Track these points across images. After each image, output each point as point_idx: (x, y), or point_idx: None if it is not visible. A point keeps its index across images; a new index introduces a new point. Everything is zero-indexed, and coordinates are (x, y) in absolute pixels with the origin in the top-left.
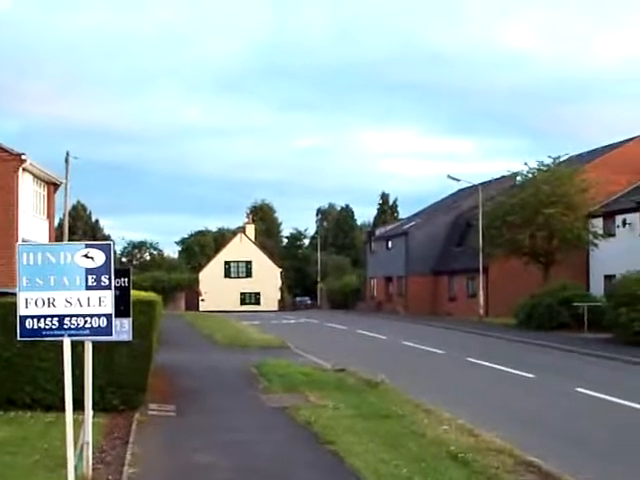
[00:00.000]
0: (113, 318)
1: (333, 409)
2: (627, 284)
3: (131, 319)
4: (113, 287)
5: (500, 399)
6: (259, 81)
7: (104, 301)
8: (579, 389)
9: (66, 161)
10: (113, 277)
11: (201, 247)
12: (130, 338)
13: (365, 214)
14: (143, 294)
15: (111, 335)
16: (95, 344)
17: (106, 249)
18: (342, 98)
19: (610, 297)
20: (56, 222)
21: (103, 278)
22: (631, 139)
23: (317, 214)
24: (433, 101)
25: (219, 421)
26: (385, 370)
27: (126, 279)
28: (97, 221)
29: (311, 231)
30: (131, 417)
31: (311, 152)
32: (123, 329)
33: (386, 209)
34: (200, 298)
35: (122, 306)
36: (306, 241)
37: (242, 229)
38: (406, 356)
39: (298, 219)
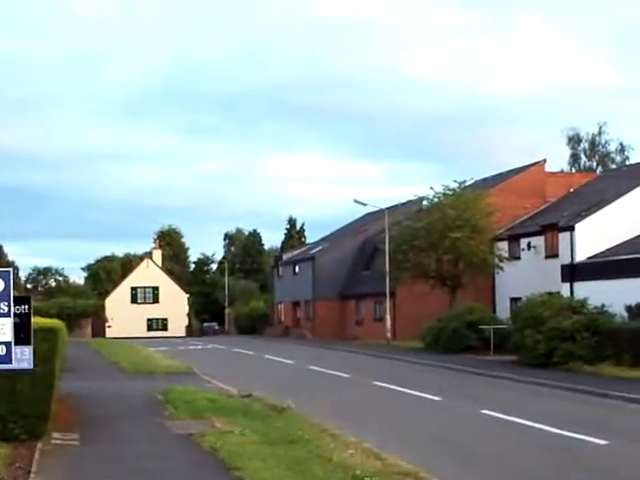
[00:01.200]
0: (13, 346)
1: (239, 435)
2: (532, 306)
3: (32, 347)
4: (12, 314)
5: (407, 422)
6: (164, 106)
7: (3, 329)
8: (484, 411)
9: None
10: (12, 304)
11: (107, 273)
12: (31, 366)
13: (273, 239)
14: (45, 321)
15: (11, 363)
16: None
17: (5, 276)
18: (249, 122)
19: (515, 319)
20: None
21: (2, 305)
22: (535, 163)
23: (225, 239)
24: (342, 126)
25: (124, 449)
26: (292, 395)
27: (27, 306)
28: (0, 247)
29: (219, 256)
30: (34, 447)
31: (218, 177)
32: (24, 357)
33: (293, 233)
34: (107, 324)
35: (23, 333)
36: (214, 266)
37: (149, 254)
38: (313, 381)
39: (206, 244)
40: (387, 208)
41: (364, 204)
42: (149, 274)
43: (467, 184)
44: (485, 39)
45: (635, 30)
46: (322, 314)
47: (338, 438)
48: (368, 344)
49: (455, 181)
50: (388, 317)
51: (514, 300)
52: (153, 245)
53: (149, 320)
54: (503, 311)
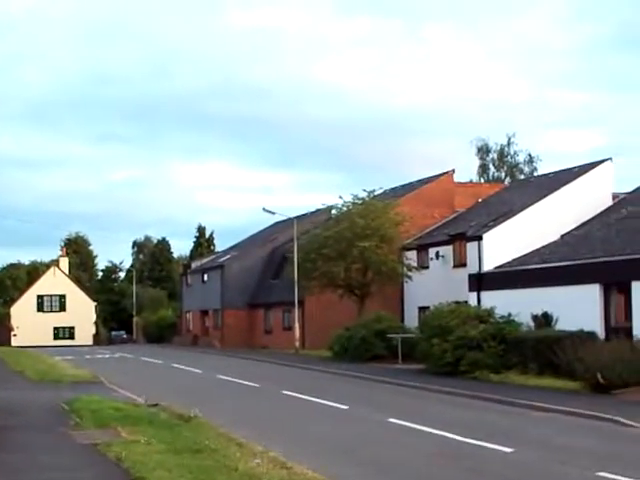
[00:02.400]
0: None
1: (145, 444)
2: (439, 315)
3: None
4: None
5: (314, 431)
6: (75, 112)
7: None
8: (392, 419)
9: None
10: None
11: (13, 280)
12: None
13: (182, 247)
14: None
15: None
16: None
17: None
18: (160, 130)
19: (423, 328)
20: None
21: None
22: (444, 173)
23: (133, 247)
24: (252, 135)
25: (26, 460)
26: (199, 404)
27: None
28: None
29: (127, 264)
30: None
31: (128, 184)
32: None
33: (203, 242)
34: (12, 333)
35: None
36: (122, 274)
37: (56, 262)
38: (221, 390)
39: (114, 252)
40: (296, 217)
41: (273, 213)
42: (56, 282)
43: (376, 193)
44: (396, 49)
45: (542, 43)
46: (231, 323)
47: (245, 447)
48: (277, 353)
49: (364, 190)
50: (297, 326)
51: (422, 309)
52: (60, 253)
53: (56, 329)
54: (411, 320)
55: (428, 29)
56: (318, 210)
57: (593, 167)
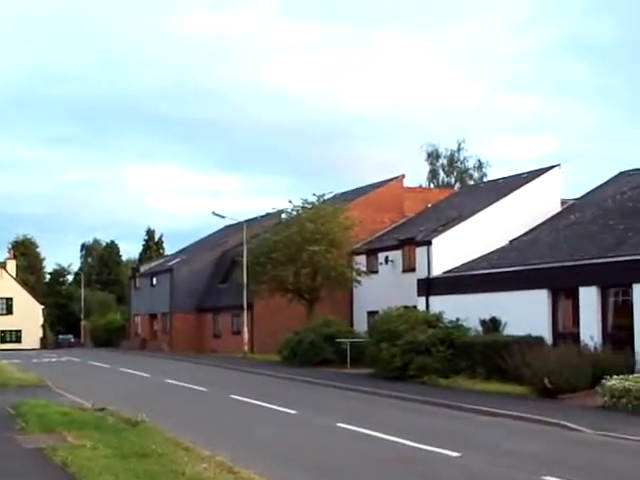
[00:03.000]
0: None
1: (91, 449)
2: (388, 320)
3: None
4: None
5: (262, 436)
6: (22, 113)
7: None
8: (340, 424)
9: None
10: None
11: None
12: None
13: (131, 250)
14: None
15: None
16: None
17: None
18: (110, 132)
19: (372, 333)
20: None
21: None
22: (394, 178)
23: (82, 250)
24: (203, 138)
25: None
26: (146, 408)
27: None
28: None
29: (75, 267)
30: None
31: (77, 187)
32: None
33: (152, 245)
34: None
35: None
36: (70, 277)
37: (2, 265)
38: (168, 394)
39: (62, 255)
40: (246, 221)
41: (222, 217)
42: (2, 285)
43: (326, 198)
44: (347, 54)
45: (493, 49)
46: (179, 327)
47: (192, 452)
48: (226, 357)
49: (314, 195)
50: (245, 330)
51: (371, 314)
52: (7, 255)
53: (2, 332)
54: (361, 324)
55: (379, 34)
56: (268, 214)
57: (542, 173)
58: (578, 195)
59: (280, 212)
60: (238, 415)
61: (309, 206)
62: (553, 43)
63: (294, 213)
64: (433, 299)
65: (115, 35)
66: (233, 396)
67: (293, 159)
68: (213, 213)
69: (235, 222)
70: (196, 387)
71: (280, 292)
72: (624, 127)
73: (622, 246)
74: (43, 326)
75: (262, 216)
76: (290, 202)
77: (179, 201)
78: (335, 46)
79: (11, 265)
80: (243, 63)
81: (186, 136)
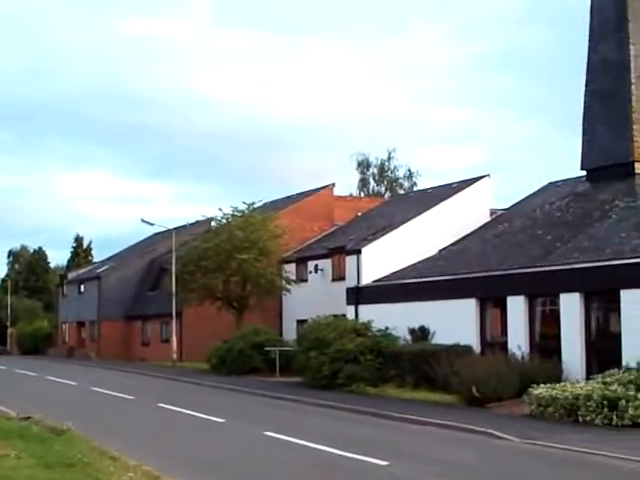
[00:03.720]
0: None
1: (15, 458)
2: (317, 328)
3: None
4: None
5: (189, 444)
6: None
7: None
8: (268, 433)
9: None
10: None
11: None
12: None
13: (59, 257)
14: None
15: None
16: None
17: None
18: (39, 137)
19: (301, 341)
20: None
21: None
22: (324, 187)
23: (9, 256)
24: (131, 144)
25: None
26: (72, 417)
27: None
28: None
29: (2, 274)
30: None
31: (4, 192)
32: None
33: (80, 252)
34: None
35: None
36: None
37: None
38: (95, 402)
39: None
40: (175, 228)
41: (151, 224)
42: None
43: (256, 206)
44: (279, 62)
45: (423, 60)
46: (107, 335)
47: (118, 461)
48: (154, 365)
49: (244, 203)
50: (174, 338)
51: (301, 322)
52: None
53: None
54: (290, 333)
55: (311, 42)
56: (197, 222)
57: (471, 183)
58: (507, 205)
59: (210, 220)
60: (165, 424)
61: (239, 214)
62: (483, 55)
63: (224, 221)
64: (362, 308)
65: (46, 35)
66: (161, 404)
67: (224, 167)
68: (142, 220)
69: (164, 229)
70: (123, 395)
71: (209, 300)
72: (553, 138)
73: (549, 256)
74: None
75: (192, 224)
76: (220, 210)
77: (109, 208)
78: (267, 54)
79: None
80: (175, 69)
81: (116, 142)
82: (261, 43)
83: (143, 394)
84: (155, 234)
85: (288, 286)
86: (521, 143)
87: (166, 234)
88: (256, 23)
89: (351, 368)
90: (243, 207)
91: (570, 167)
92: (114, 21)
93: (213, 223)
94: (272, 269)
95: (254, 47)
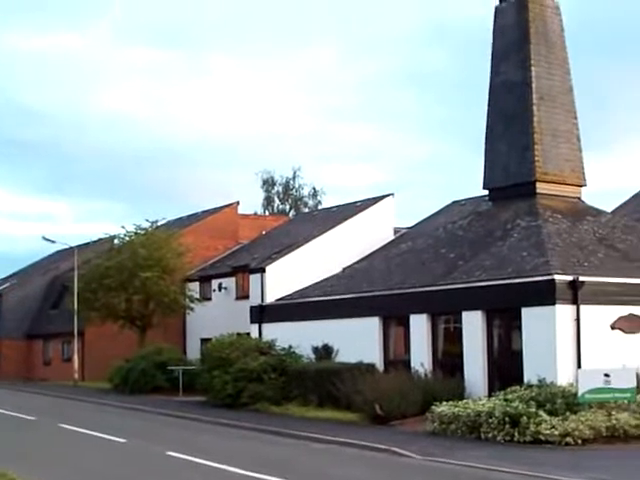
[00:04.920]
0: None
1: None
2: (220, 347)
3: None
4: None
5: (90, 465)
6: None
7: None
8: (170, 453)
9: None
10: None
11: None
12: None
13: None
14: None
15: None
16: None
17: None
18: None
19: (204, 360)
20: None
21: None
22: (229, 205)
23: None
24: (33, 160)
25: None
26: None
27: None
28: None
29: None
30: None
31: None
32: None
33: None
34: None
35: None
36: None
37: None
38: None
39: None
40: (77, 246)
41: (53, 241)
42: None
43: (160, 224)
44: (184, 80)
45: (327, 77)
46: (7, 354)
47: None
48: (56, 385)
49: (147, 220)
50: (76, 357)
51: (205, 341)
52: None
53: None
54: (194, 352)
55: (214, 60)
56: (100, 239)
57: (376, 202)
58: (411, 224)
59: (113, 238)
60: (67, 444)
61: (142, 232)
62: (387, 73)
63: (127, 239)
64: (266, 326)
65: None
66: (62, 425)
67: (129, 185)
68: (43, 238)
69: (67, 247)
70: (23, 416)
71: (111, 319)
72: (458, 157)
73: (452, 274)
74: None
75: (95, 241)
76: (123, 227)
77: (7, 225)
78: (172, 71)
79: None
80: (77, 86)
81: (16, 159)
82: (165, 60)
83: (44, 414)
84: (58, 251)
85: (192, 304)
86: (426, 162)
87: (69, 251)
88: (160, 40)
89: (255, 387)
90: (146, 225)
91: (475, 186)
92: (8, 37)
93: (116, 241)
94: (175, 287)
95: (158, 64)
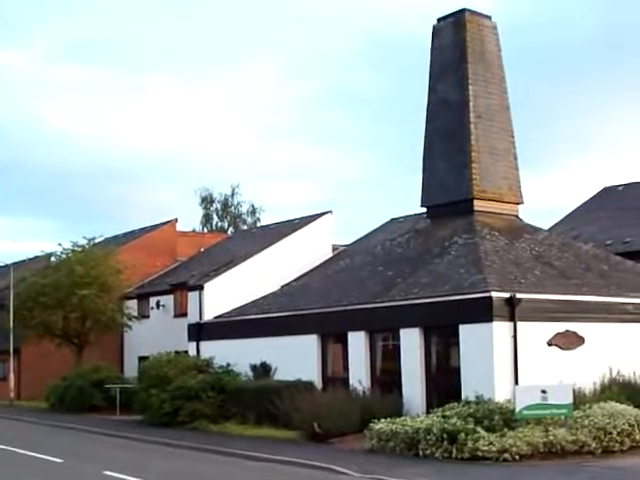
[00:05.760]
0: None
1: None
2: (157, 365)
3: None
4: None
5: None
6: None
7: None
8: (107, 472)
9: None
10: None
11: None
12: None
13: None
14: None
15: None
16: None
17: None
18: None
19: (142, 379)
20: None
21: None
22: (167, 222)
23: None
24: None
25: None
26: None
27: None
28: None
29: None
30: None
31: None
32: None
33: None
34: None
35: None
36: None
37: None
38: None
39: None
40: (13, 264)
41: None
42: None
43: (98, 241)
44: (119, 97)
45: (264, 98)
46: None
47: None
48: None
49: (85, 238)
50: (12, 376)
51: (142, 359)
52: None
53: None
54: (132, 370)
55: (150, 78)
56: (37, 257)
57: (314, 219)
58: (349, 241)
59: (49, 255)
60: (1, 465)
61: (79, 249)
62: (318, 92)
63: (64, 256)
64: (204, 344)
65: None
66: None
67: (66, 202)
68: None
69: (2, 265)
70: None
71: (48, 337)
72: (397, 175)
73: (390, 291)
74: None
75: (31, 259)
76: (60, 245)
77: None
78: (107, 89)
79: None
80: (8, 103)
81: None
82: (100, 78)
83: None
84: None
85: (129, 322)
86: (363, 180)
87: (4, 269)
88: (94, 58)
89: (192, 405)
90: (84, 242)
91: (413, 204)
92: None
93: (53, 258)
94: (113, 305)
95: (94, 82)
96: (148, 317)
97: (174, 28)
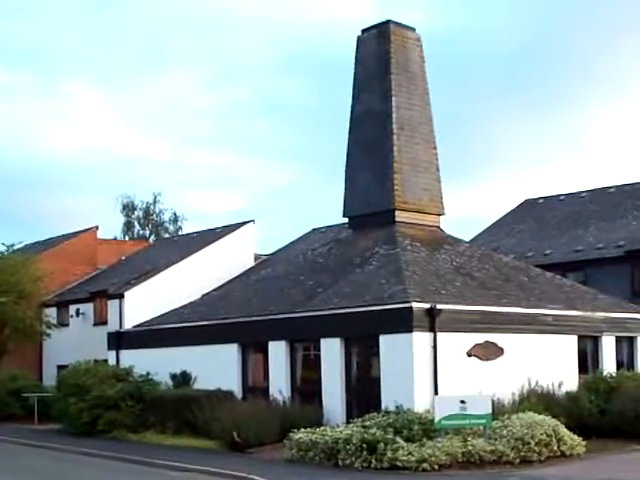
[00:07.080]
0: None
1: None
2: (76, 374)
3: None
4: None
5: None
6: None
7: None
8: None
9: None
10: None
11: None
12: None
13: None
14: None
15: None
16: None
17: None
18: None
19: (60, 387)
20: None
21: None
22: (87, 230)
23: None
24: None
25: None
26: None
27: None
28: None
29: None
30: None
31: None
32: None
33: None
34: None
35: None
36: None
37: None
38: None
39: None
40: None
41: None
42: None
43: (17, 247)
44: (35, 102)
45: (183, 104)
46: None
47: None
48: None
49: (3, 244)
50: None
51: (62, 367)
52: None
53: None
54: (50, 379)
55: (68, 84)
56: None
57: (236, 228)
58: (271, 250)
59: None
60: None
61: None
62: (240, 101)
63: None
64: (124, 353)
65: None
66: None
67: None
68: None
69: None
70: None
71: None
72: (319, 185)
73: (311, 301)
74: None
75: None
76: None
77: None
78: (22, 94)
79: None
80: None
81: None
82: (17, 83)
83: None
84: None
85: (48, 330)
86: (284, 189)
87: None
88: (11, 62)
89: (111, 414)
90: (2, 249)
91: (335, 214)
92: None
93: None
94: (32, 313)
95: (7, 85)
96: (68, 325)
97: (95, 34)
